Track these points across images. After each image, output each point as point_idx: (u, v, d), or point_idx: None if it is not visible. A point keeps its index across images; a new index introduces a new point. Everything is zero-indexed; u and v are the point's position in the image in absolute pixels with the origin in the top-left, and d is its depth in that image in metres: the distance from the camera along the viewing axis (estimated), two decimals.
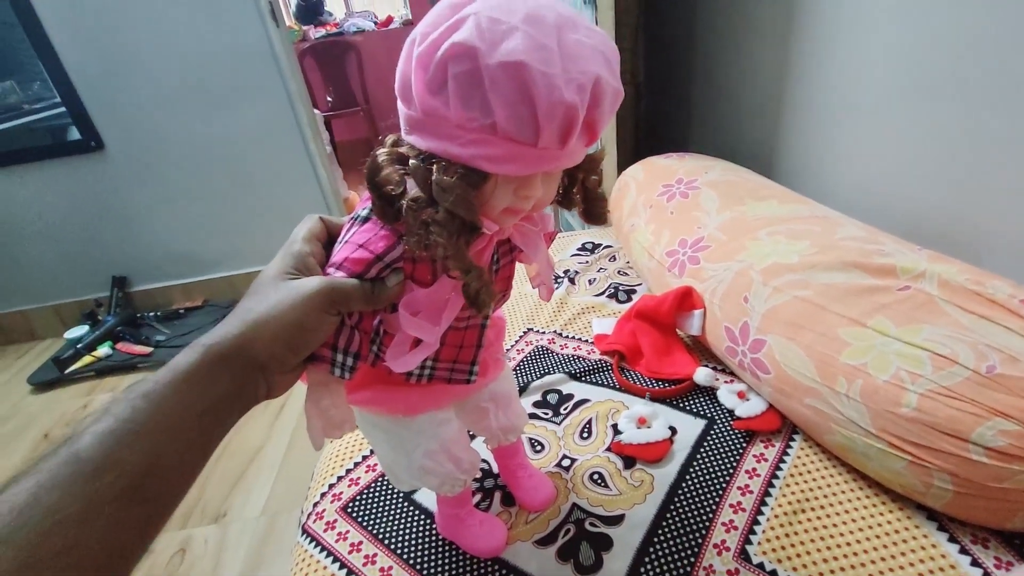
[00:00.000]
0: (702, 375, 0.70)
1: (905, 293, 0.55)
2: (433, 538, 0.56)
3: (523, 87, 0.28)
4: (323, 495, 0.64)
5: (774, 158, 1.11)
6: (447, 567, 0.53)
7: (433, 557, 0.54)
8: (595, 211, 0.41)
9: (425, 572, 0.53)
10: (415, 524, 0.58)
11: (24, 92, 1.72)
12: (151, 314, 1.95)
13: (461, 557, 0.54)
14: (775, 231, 0.73)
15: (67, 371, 1.72)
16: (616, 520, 0.55)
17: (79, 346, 1.77)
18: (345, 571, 0.54)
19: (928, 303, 0.53)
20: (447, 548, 0.55)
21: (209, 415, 0.30)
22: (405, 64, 0.32)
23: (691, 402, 0.69)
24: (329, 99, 3.60)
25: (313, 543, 0.58)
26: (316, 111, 1.98)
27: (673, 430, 0.64)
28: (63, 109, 1.71)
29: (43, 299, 2.01)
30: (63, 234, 1.89)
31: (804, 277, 0.63)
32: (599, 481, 0.59)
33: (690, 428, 0.65)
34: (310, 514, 0.62)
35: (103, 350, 1.78)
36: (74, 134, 1.75)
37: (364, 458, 0.68)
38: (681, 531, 0.53)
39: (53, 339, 2.02)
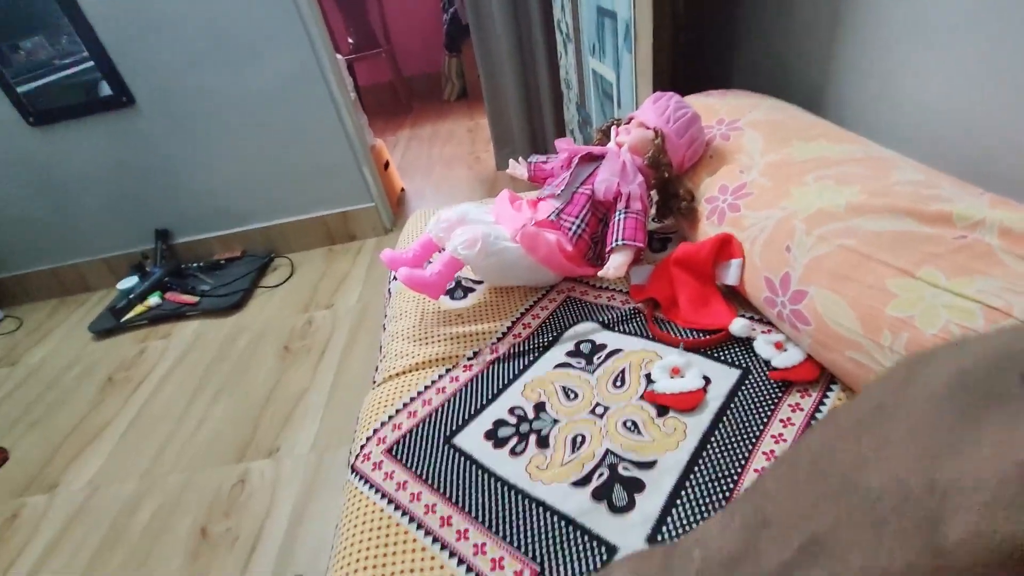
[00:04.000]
0: (738, 326, 0.69)
1: (961, 242, 0.52)
2: (472, 479, 0.60)
3: None
4: (368, 439, 0.68)
5: (827, 92, 1.03)
6: (487, 504, 0.57)
7: (473, 495, 0.58)
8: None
9: (467, 509, 0.57)
10: (455, 465, 0.61)
11: (53, 47, 1.73)
12: (194, 265, 2.03)
13: (500, 496, 0.57)
14: (823, 175, 0.69)
15: (123, 319, 1.84)
16: (649, 465, 0.57)
17: (131, 296, 1.87)
18: (392, 506, 0.58)
19: (986, 253, 0.50)
20: (486, 488, 0.58)
21: None
22: None
23: (726, 352, 0.69)
24: (350, 40, 3.49)
25: (362, 480, 0.63)
26: (338, 56, 1.93)
27: (707, 380, 0.65)
28: (92, 63, 1.72)
29: (94, 252, 2.11)
30: (107, 188, 1.96)
31: (851, 225, 0.60)
32: (632, 428, 0.61)
33: (724, 378, 0.65)
34: (358, 455, 0.66)
35: (153, 299, 1.87)
36: (105, 89, 1.77)
37: (404, 405, 0.71)
38: (713, 476, 0.55)
39: (107, 290, 2.14)
